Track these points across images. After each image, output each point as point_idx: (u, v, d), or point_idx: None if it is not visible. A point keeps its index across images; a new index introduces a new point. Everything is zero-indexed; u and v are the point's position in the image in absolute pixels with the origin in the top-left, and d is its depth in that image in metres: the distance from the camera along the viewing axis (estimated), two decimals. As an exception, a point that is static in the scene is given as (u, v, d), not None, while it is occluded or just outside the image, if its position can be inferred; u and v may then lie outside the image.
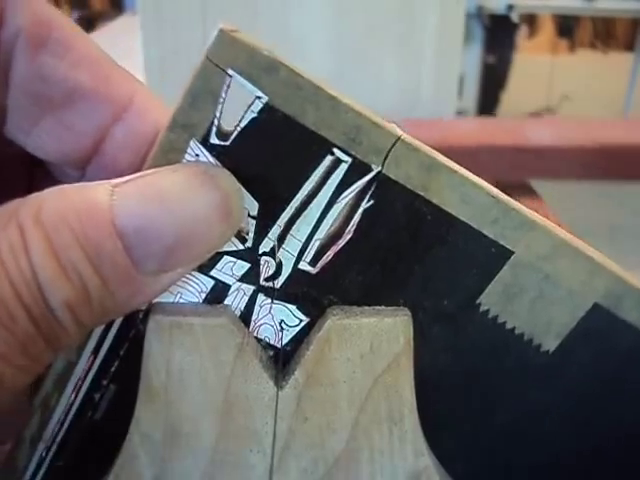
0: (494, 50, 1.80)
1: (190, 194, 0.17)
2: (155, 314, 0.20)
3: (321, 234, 0.19)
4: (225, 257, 0.19)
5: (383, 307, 0.20)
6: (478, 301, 0.20)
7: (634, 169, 0.83)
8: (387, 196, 0.19)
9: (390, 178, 0.18)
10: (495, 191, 0.19)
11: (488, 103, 1.79)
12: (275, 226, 0.19)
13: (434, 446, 0.22)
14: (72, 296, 0.16)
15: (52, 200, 0.16)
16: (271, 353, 0.21)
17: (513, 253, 0.19)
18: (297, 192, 0.19)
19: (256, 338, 0.20)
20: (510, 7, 1.69)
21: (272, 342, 0.20)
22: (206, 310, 0.20)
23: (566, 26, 2.59)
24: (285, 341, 0.20)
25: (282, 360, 0.21)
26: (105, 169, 0.20)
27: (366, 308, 0.20)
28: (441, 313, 0.20)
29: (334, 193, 0.19)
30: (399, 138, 0.18)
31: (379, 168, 0.18)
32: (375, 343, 0.20)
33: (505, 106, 1.91)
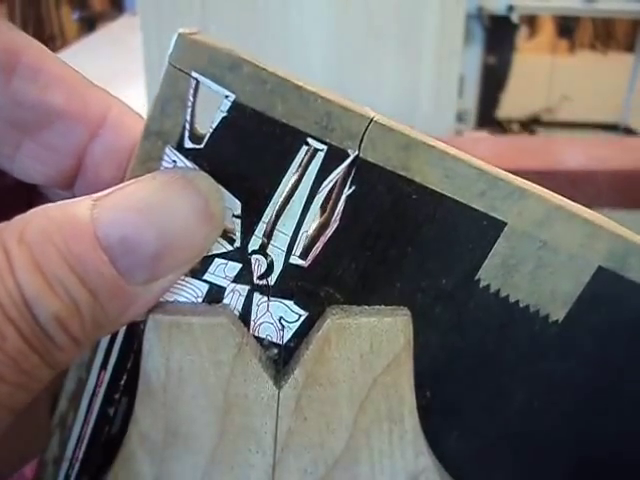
0: (494, 51, 1.79)
1: (170, 200, 0.17)
2: (154, 313, 0.19)
3: (307, 226, 0.19)
4: (216, 260, 0.19)
5: (383, 306, 0.20)
6: (477, 277, 0.20)
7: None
8: (368, 180, 0.19)
9: (369, 161, 0.18)
10: (479, 162, 0.19)
11: (488, 104, 1.79)
12: (261, 223, 0.19)
13: (450, 430, 0.22)
14: (61, 310, 0.16)
15: (35, 219, 0.16)
16: (275, 351, 0.21)
17: (506, 224, 0.19)
18: (277, 186, 0.18)
19: (258, 337, 0.20)
20: (510, 8, 1.69)
21: (274, 340, 0.20)
22: (205, 309, 0.20)
23: (566, 27, 2.59)
24: (287, 338, 0.20)
25: (286, 357, 0.21)
26: (90, 186, 0.20)
27: (366, 307, 0.20)
28: (440, 293, 0.20)
29: (314, 183, 0.18)
30: (372, 120, 0.18)
31: (356, 152, 0.18)
32: (375, 343, 0.20)
33: (505, 107, 1.91)
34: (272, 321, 0.20)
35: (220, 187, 0.18)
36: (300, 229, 0.19)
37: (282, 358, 0.21)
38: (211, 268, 0.20)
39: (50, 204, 0.17)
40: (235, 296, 0.20)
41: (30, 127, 0.20)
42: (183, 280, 0.20)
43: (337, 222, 0.19)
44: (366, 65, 0.91)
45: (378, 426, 0.21)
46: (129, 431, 0.21)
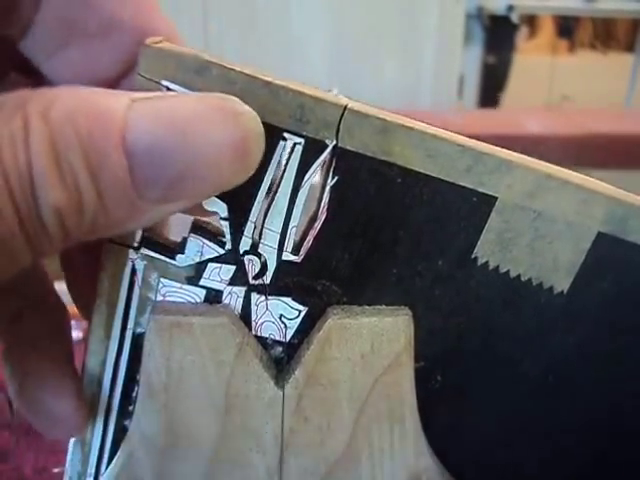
0: (494, 50, 1.79)
1: (209, 125, 0.16)
2: (155, 314, 0.20)
3: (295, 221, 0.19)
4: (209, 264, 0.19)
5: (384, 306, 0.20)
6: (474, 255, 0.19)
7: (630, 159, 0.83)
8: (350, 169, 0.18)
9: (348, 150, 0.18)
10: (461, 139, 0.18)
11: (488, 103, 1.79)
12: (249, 223, 0.19)
13: (466, 412, 0.21)
14: (63, 202, 0.15)
15: (64, 98, 0.15)
16: (280, 349, 0.20)
17: (497, 198, 0.19)
18: (260, 184, 0.18)
19: (260, 337, 0.20)
20: (510, 8, 1.69)
21: (277, 338, 0.20)
22: (206, 310, 0.20)
23: (566, 27, 2.59)
24: (290, 335, 0.20)
25: (291, 354, 0.20)
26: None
27: (366, 307, 0.20)
28: (439, 274, 0.20)
29: (297, 177, 0.18)
30: (345, 107, 0.18)
31: (334, 142, 0.18)
32: (376, 343, 0.20)
33: (505, 107, 1.91)
34: (273, 320, 0.20)
35: (263, 131, 0.17)
36: (289, 225, 0.19)
37: (287, 356, 0.21)
38: (206, 273, 0.20)
39: (83, 87, 0.16)
40: (233, 298, 0.20)
41: (86, 31, 0.19)
42: (180, 288, 0.20)
43: (324, 214, 0.19)
44: (366, 65, 0.91)
45: (379, 426, 0.21)
46: (130, 431, 0.21)
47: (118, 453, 0.22)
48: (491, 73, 1.79)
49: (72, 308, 0.23)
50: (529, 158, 0.19)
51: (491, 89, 1.82)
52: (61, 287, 0.23)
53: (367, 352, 0.20)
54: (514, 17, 1.74)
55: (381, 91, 0.91)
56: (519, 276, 0.20)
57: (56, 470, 0.43)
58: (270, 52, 0.85)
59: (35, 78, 0.20)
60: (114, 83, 0.19)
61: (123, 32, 0.19)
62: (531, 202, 0.19)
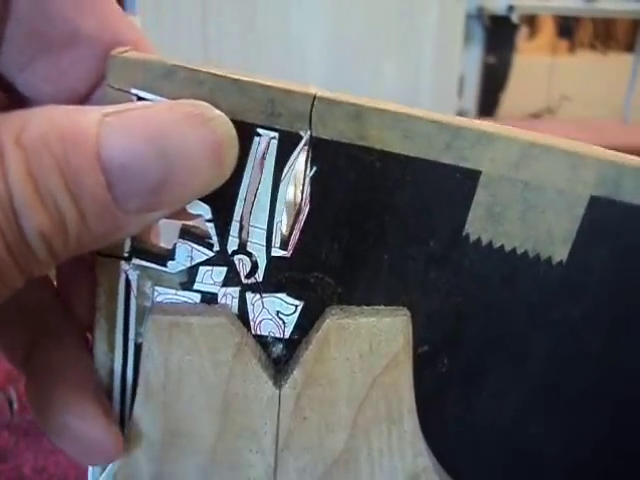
0: (494, 51, 1.79)
1: (183, 135, 0.16)
2: (154, 314, 0.20)
3: (280, 216, 0.19)
4: (200, 268, 0.19)
5: (382, 307, 0.20)
6: (464, 233, 0.19)
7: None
8: (328, 157, 0.18)
9: (323, 139, 0.18)
10: (436, 116, 0.18)
11: (488, 104, 1.79)
12: (234, 222, 0.19)
13: (478, 393, 0.21)
14: (47, 225, 0.15)
15: (37, 120, 0.15)
16: (281, 346, 0.20)
17: (481, 172, 0.18)
18: (241, 183, 0.18)
19: (260, 336, 0.20)
20: (510, 8, 1.69)
21: (277, 335, 0.20)
22: (204, 310, 0.20)
23: (566, 27, 2.59)
24: (289, 331, 0.20)
25: (292, 350, 0.20)
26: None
27: (365, 308, 0.20)
28: (431, 256, 0.19)
29: (275, 171, 0.18)
30: (315, 96, 0.17)
31: (308, 133, 0.18)
32: (374, 343, 0.20)
33: (505, 107, 1.91)
34: (271, 317, 0.20)
35: (236, 135, 0.17)
36: (273, 220, 0.19)
37: (288, 352, 0.21)
38: (198, 277, 0.20)
39: (54, 106, 0.16)
40: (228, 299, 0.20)
41: (52, 44, 0.18)
42: (175, 294, 0.20)
43: (308, 206, 0.19)
44: (366, 65, 0.91)
45: (377, 426, 0.21)
46: (129, 431, 0.21)
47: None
48: (491, 73, 1.79)
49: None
50: (510, 128, 0.18)
51: (491, 89, 1.82)
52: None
53: (365, 352, 0.20)
54: (514, 17, 1.74)
55: (381, 91, 0.91)
56: (514, 250, 0.19)
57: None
58: (270, 52, 0.85)
59: (11, 93, 0.20)
60: (86, 95, 0.19)
61: (90, 44, 0.19)
62: (517, 173, 0.18)
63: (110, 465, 0.22)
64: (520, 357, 0.21)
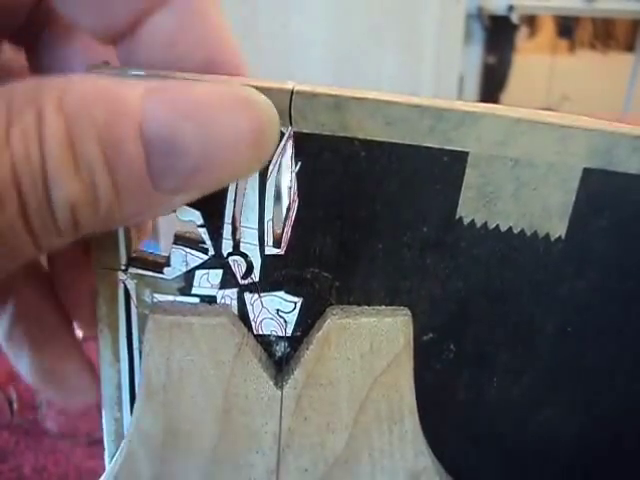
0: (494, 51, 1.80)
1: (227, 116, 0.16)
2: (155, 314, 0.20)
3: (270, 214, 0.19)
4: (197, 272, 0.19)
5: (383, 307, 0.20)
6: (457, 216, 0.19)
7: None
8: (311, 151, 0.18)
9: (305, 133, 0.18)
10: (417, 100, 0.17)
11: (488, 103, 1.79)
12: (225, 225, 0.19)
13: (489, 377, 0.21)
14: (78, 194, 0.14)
15: (80, 85, 0.15)
16: (285, 344, 0.20)
17: (467, 153, 0.18)
18: (228, 185, 0.18)
19: (263, 335, 0.20)
20: (510, 8, 1.69)
21: (279, 334, 0.20)
22: (205, 309, 0.20)
23: (566, 27, 2.59)
24: (291, 328, 0.20)
25: (295, 347, 0.20)
26: (135, 54, 0.19)
27: (366, 308, 0.20)
28: (426, 242, 0.19)
29: (261, 170, 0.18)
30: (292, 91, 0.17)
31: (289, 128, 0.18)
32: (375, 343, 0.20)
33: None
34: (271, 316, 0.20)
35: (279, 122, 0.17)
36: (264, 219, 0.19)
37: (293, 350, 0.20)
38: (195, 281, 0.20)
39: (98, 76, 0.15)
40: (227, 301, 0.20)
41: None
42: (174, 300, 0.20)
43: (296, 201, 0.19)
44: (366, 65, 0.91)
45: (378, 426, 0.21)
46: (130, 431, 0.21)
47: (118, 453, 0.22)
48: (491, 73, 1.79)
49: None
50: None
51: (491, 89, 1.82)
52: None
53: (366, 352, 0.20)
54: (514, 17, 1.74)
55: (381, 91, 0.91)
56: (510, 229, 0.19)
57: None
58: (270, 52, 0.85)
59: (28, 49, 0.20)
60: (128, 28, 0.18)
61: None
62: (505, 150, 0.18)
63: (110, 465, 0.22)
64: (529, 337, 0.20)
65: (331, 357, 0.20)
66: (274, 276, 0.20)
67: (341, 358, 0.20)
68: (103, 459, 0.24)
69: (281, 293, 0.20)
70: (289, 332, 0.20)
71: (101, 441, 0.22)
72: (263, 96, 0.16)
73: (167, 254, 0.20)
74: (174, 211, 0.18)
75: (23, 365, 0.21)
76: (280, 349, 0.20)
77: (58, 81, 0.15)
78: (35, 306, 0.21)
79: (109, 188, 0.15)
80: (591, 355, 0.21)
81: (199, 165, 0.16)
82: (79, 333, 0.23)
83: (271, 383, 0.20)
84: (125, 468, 0.21)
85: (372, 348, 0.20)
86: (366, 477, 0.22)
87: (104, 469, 0.23)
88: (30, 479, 0.47)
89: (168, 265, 0.19)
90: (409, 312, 0.20)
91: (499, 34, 1.76)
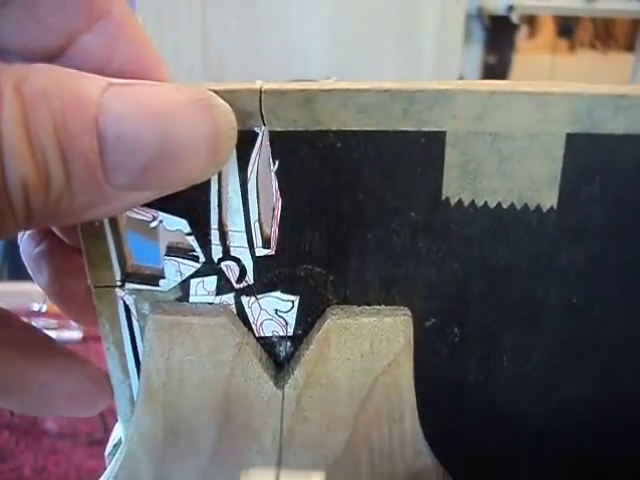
0: (494, 50, 1.80)
1: (184, 117, 0.16)
2: (155, 314, 0.20)
3: (255, 215, 0.19)
4: (191, 281, 0.20)
5: (383, 307, 0.20)
6: (444, 196, 0.18)
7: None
8: (287, 149, 0.18)
9: (278, 131, 0.18)
10: (387, 84, 0.17)
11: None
12: (212, 231, 0.19)
13: (498, 357, 0.20)
14: (31, 177, 0.14)
15: (39, 74, 0.15)
16: (289, 343, 0.20)
17: (444, 132, 0.18)
18: (210, 190, 0.18)
19: (265, 337, 0.20)
20: (510, 8, 1.69)
21: (281, 334, 0.20)
22: (205, 309, 0.20)
23: (566, 27, 2.59)
24: (292, 327, 0.20)
25: (297, 345, 0.20)
26: None
27: (366, 308, 0.20)
28: (415, 227, 0.19)
29: (240, 171, 0.18)
30: (261, 91, 0.17)
31: (263, 128, 0.18)
32: (375, 343, 0.20)
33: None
34: (270, 317, 0.20)
35: (236, 128, 0.17)
36: (250, 221, 0.19)
37: (296, 349, 0.20)
38: (192, 290, 0.20)
39: (59, 67, 0.15)
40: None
41: None
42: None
43: (280, 200, 0.19)
44: (366, 65, 0.91)
45: (378, 426, 0.21)
46: (130, 432, 0.21)
47: (118, 453, 0.22)
48: (491, 73, 1.79)
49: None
50: (467, 81, 0.18)
51: (491, 89, 1.82)
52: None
53: (366, 352, 0.20)
54: (514, 17, 1.74)
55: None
56: (499, 205, 0.19)
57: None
58: (270, 52, 0.85)
59: None
60: (59, 50, 0.19)
61: None
62: (483, 125, 0.18)
63: (111, 465, 0.22)
64: (534, 312, 0.20)
65: (331, 357, 0.20)
66: (268, 277, 0.20)
67: (341, 358, 0.20)
68: (103, 459, 0.24)
69: (277, 293, 0.20)
70: (291, 331, 0.20)
71: (101, 441, 0.22)
72: (221, 100, 0.16)
73: (162, 266, 0.20)
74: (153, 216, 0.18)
75: (43, 282, 0.22)
76: (284, 349, 0.20)
77: (19, 68, 0.15)
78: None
79: (61, 176, 0.15)
80: (602, 326, 0.20)
81: (152, 163, 0.16)
82: (79, 334, 0.23)
83: (271, 383, 0.20)
84: (125, 468, 0.21)
85: (372, 348, 0.20)
86: (366, 477, 0.22)
87: (104, 469, 0.23)
88: (30, 479, 0.47)
89: (163, 277, 0.20)
90: (409, 312, 0.20)
91: (499, 34, 1.76)
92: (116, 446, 0.23)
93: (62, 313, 0.23)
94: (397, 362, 0.20)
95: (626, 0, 1.79)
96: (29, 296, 0.70)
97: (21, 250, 0.22)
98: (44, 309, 0.69)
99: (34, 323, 0.68)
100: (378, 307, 0.20)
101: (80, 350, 0.60)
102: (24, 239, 0.22)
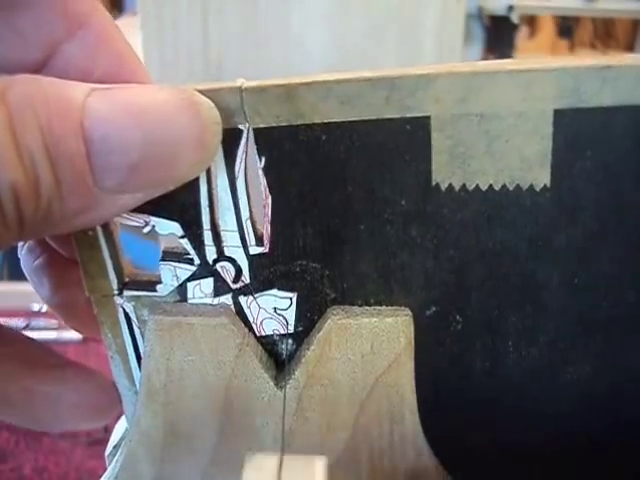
0: (494, 50, 1.79)
1: (168, 115, 0.16)
2: (155, 314, 0.20)
3: (246, 213, 0.19)
4: (188, 284, 0.20)
5: (384, 307, 0.20)
6: (434, 182, 0.18)
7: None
8: (273, 145, 0.18)
9: (262, 128, 0.18)
10: (367, 73, 0.17)
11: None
12: (205, 232, 0.19)
13: (503, 342, 0.20)
14: (21, 182, 0.14)
15: (24, 83, 0.15)
16: (290, 341, 0.20)
17: (429, 117, 0.17)
18: (199, 191, 0.18)
19: (266, 336, 0.20)
20: (510, 8, 1.69)
21: (282, 332, 0.20)
22: (206, 310, 0.20)
23: (566, 26, 2.59)
24: (293, 324, 0.20)
25: (300, 342, 0.20)
26: None
27: (367, 308, 0.20)
28: (407, 215, 0.19)
29: (228, 170, 0.18)
30: (241, 89, 0.17)
31: (247, 125, 0.18)
32: (376, 343, 0.20)
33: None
34: (270, 315, 0.20)
35: (221, 122, 0.17)
36: (242, 219, 0.19)
37: (299, 346, 0.20)
38: (189, 293, 0.20)
39: (41, 76, 0.15)
40: None
41: (3, 3, 0.18)
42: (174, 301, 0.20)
43: (269, 197, 0.19)
44: (366, 65, 0.91)
45: (379, 426, 0.21)
46: (130, 431, 0.21)
47: (118, 453, 0.22)
48: (491, 73, 1.79)
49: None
50: (448, 64, 0.17)
51: (491, 89, 1.82)
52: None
53: (367, 352, 0.20)
54: (514, 17, 1.74)
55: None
56: (491, 187, 0.18)
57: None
58: (270, 52, 0.85)
59: None
60: (42, 63, 0.19)
61: (41, 6, 0.18)
62: (467, 107, 0.17)
63: (111, 465, 0.22)
64: (535, 294, 0.20)
65: (332, 357, 0.20)
66: (264, 275, 0.19)
67: (342, 358, 0.20)
68: (103, 459, 0.24)
69: (274, 291, 0.20)
70: (291, 328, 0.20)
71: (101, 441, 0.22)
72: (205, 98, 0.16)
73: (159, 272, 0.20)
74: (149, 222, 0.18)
75: (44, 294, 0.22)
76: (287, 347, 0.20)
77: (3, 78, 0.15)
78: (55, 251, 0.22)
79: (51, 180, 0.15)
80: (606, 304, 0.20)
81: (139, 164, 0.16)
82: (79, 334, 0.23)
83: (272, 383, 0.20)
84: (125, 468, 0.21)
85: (373, 348, 0.20)
86: (366, 477, 0.22)
87: (104, 469, 0.23)
88: (30, 479, 0.47)
89: (160, 282, 0.20)
90: (410, 312, 0.20)
91: (499, 34, 1.76)
92: (116, 446, 0.23)
93: (66, 324, 0.23)
94: (398, 362, 0.20)
95: (626, 0, 1.79)
96: (29, 296, 0.70)
97: (22, 264, 0.22)
98: (44, 309, 0.69)
99: (34, 323, 0.68)
100: (379, 307, 0.20)
101: (80, 350, 0.60)
102: (24, 253, 0.22)
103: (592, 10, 1.82)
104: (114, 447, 0.23)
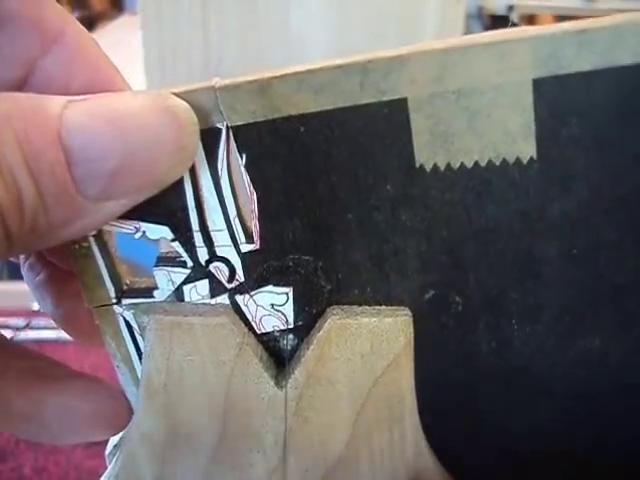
0: (494, 50, 1.80)
1: (144, 120, 0.16)
2: (155, 314, 0.20)
3: (233, 212, 0.19)
4: (184, 288, 0.20)
5: (384, 307, 0.20)
6: (417, 164, 0.18)
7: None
8: (252, 142, 0.18)
9: (240, 125, 0.18)
10: (338, 61, 0.17)
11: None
12: (195, 234, 0.19)
13: (507, 321, 0.20)
14: (3, 197, 0.15)
15: None
16: (291, 336, 0.20)
17: (406, 99, 0.17)
18: (185, 193, 0.18)
19: (267, 333, 0.20)
20: (510, 8, 1.69)
21: (282, 327, 0.20)
22: (206, 309, 0.20)
23: (566, 26, 2.59)
24: (292, 319, 0.20)
25: (302, 337, 0.20)
26: None
27: (367, 308, 0.20)
28: (394, 200, 0.18)
29: (211, 170, 0.18)
30: (215, 88, 0.17)
31: (225, 124, 0.18)
32: (375, 343, 0.20)
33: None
34: (268, 312, 0.20)
35: (197, 122, 0.17)
36: (229, 217, 0.19)
37: (300, 340, 0.20)
38: (186, 297, 0.20)
39: (18, 93, 0.16)
40: None
41: None
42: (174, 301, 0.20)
43: (254, 193, 0.18)
44: (366, 65, 0.91)
45: (378, 426, 0.21)
46: (131, 432, 0.21)
47: (118, 453, 0.22)
48: (491, 73, 1.79)
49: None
50: (419, 44, 0.17)
51: (491, 89, 1.82)
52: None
53: (367, 352, 0.20)
54: (514, 17, 1.74)
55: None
56: (477, 163, 0.18)
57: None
58: (270, 52, 0.85)
59: None
60: (21, 80, 0.19)
61: (14, 25, 0.18)
62: (444, 85, 0.17)
63: (111, 465, 0.22)
64: (534, 269, 0.19)
65: (331, 357, 0.20)
66: (258, 272, 0.19)
67: (341, 358, 0.20)
68: (103, 459, 0.24)
69: (269, 287, 0.20)
70: (291, 323, 0.20)
71: (101, 441, 0.22)
72: (181, 100, 0.17)
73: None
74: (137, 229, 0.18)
75: (47, 309, 0.23)
76: (288, 342, 0.20)
77: None
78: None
79: (33, 193, 0.15)
80: (609, 272, 0.19)
81: (120, 170, 0.16)
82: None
83: (272, 383, 0.20)
84: (126, 468, 0.21)
85: (372, 348, 0.20)
86: (366, 477, 0.22)
87: (104, 469, 0.23)
88: (30, 479, 0.47)
89: (156, 288, 0.20)
90: (409, 312, 0.20)
91: (499, 34, 1.76)
92: (116, 446, 0.23)
93: (73, 339, 0.23)
94: (397, 362, 0.20)
95: (626, 0, 1.79)
96: (29, 296, 0.70)
97: (25, 281, 0.23)
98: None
99: (34, 323, 0.68)
100: (379, 307, 0.20)
101: (81, 350, 0.60)
102: (25, 270, 0.23)
103: (592, 10, 1.82)
104: (114, 447, 0.23)
